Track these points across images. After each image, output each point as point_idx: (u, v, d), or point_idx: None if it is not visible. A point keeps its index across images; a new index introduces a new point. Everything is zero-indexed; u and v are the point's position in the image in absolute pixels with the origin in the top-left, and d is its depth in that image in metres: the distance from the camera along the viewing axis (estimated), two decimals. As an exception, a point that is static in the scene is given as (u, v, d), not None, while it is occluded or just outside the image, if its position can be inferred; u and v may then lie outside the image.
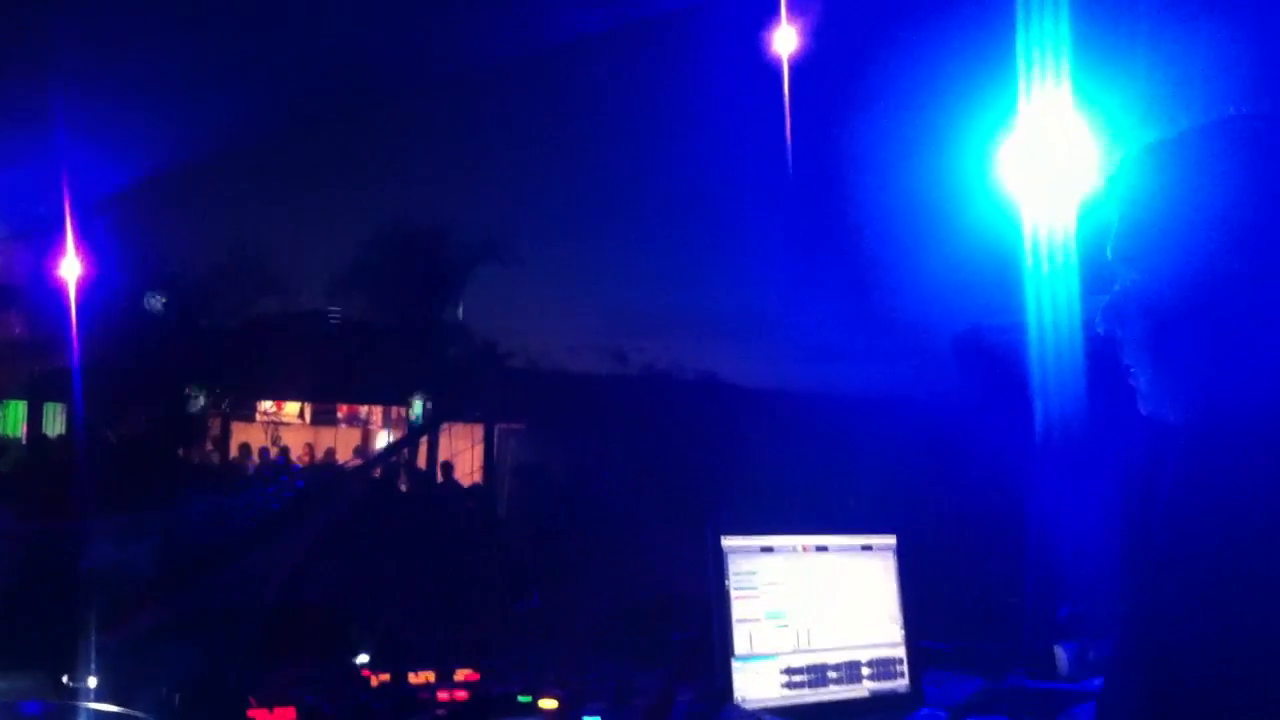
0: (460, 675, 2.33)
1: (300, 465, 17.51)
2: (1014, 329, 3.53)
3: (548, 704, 2.06)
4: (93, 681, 2.35)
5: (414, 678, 2.29)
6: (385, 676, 2.29)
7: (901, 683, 2.54)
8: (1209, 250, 1.40)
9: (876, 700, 2.49)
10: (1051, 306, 3.61)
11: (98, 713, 2.02)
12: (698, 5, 5.35)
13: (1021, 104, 3.76)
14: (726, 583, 2.41)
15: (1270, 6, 3.35)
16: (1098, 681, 2.16)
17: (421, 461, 16.31)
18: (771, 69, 4.79)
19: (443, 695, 2.15)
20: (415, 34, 6.06)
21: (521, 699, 2.10)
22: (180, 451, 16.15)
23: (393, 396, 21.30)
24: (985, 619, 3.15)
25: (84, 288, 11.89)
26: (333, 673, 2.37)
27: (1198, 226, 1.41)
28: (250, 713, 1.97)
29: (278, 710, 1.95)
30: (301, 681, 2.23)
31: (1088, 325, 3.56)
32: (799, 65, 4.73)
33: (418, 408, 20.55)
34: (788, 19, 4.58)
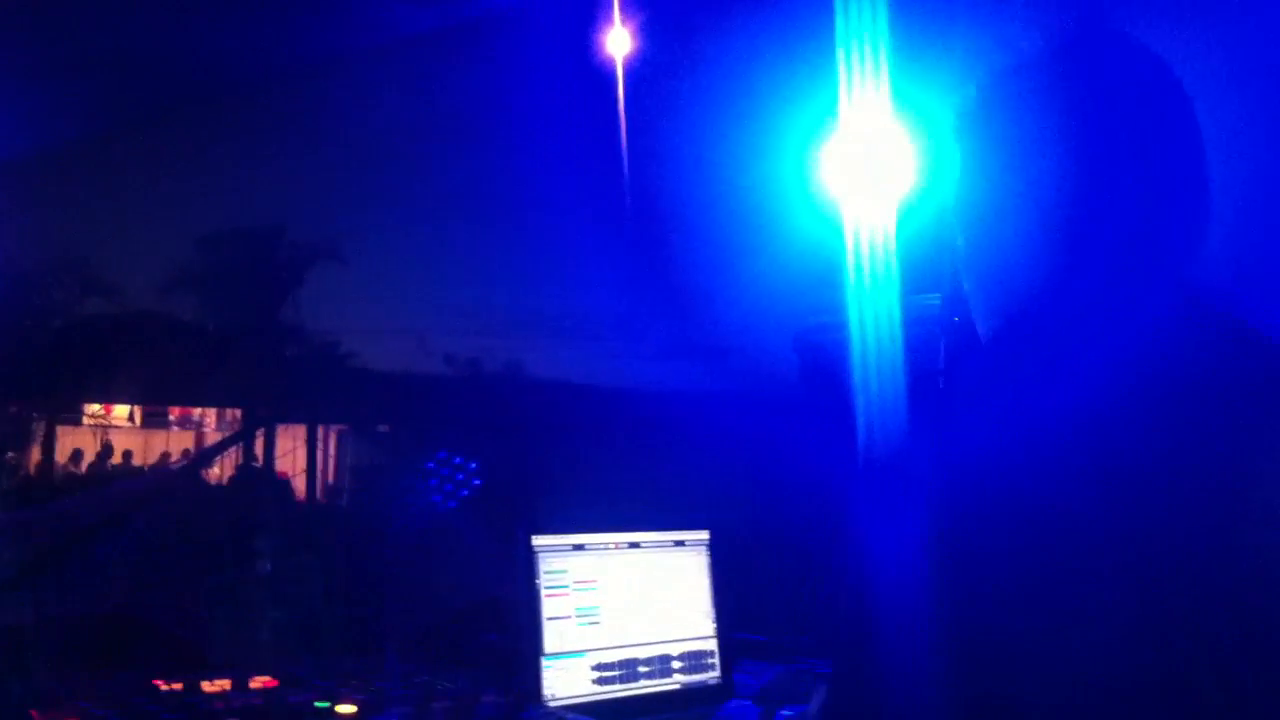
0: (257, 683, 2.24)
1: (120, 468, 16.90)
2: (832, 328, 3.57)
3: (345, 710, 2.00)
4: None
5: (208, 686, 2.20)
6: (177, 685, 2.19)
7: (713, 675, 2.56)
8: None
9: (687, 692, 2.51)
10: (872, 306, 3.68)
11: None
12: (524, 8, 5.33)
13: (841, 105, 3.83)
14: (537, 581, 2.39)
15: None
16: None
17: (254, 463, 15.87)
18: (597, 72, 4.81)
19: (237, 704, 2.07)
20: (245, 30, 5.90)
21: (318, 704, 2.03)
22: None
23: (226, 399, 20.66)
24: (803, 611, 3.20)
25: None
26: (121, 682, 2.26)
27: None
28: (31, 726, 1.86)
29: (59, 723, 1.84)
30: (88, 692, 2.12)
31: (908, 325, 3.64)
32: (623, 68, 4.76)
33: (249, 409, 20.00)
34: (612, 22, 4.59)
